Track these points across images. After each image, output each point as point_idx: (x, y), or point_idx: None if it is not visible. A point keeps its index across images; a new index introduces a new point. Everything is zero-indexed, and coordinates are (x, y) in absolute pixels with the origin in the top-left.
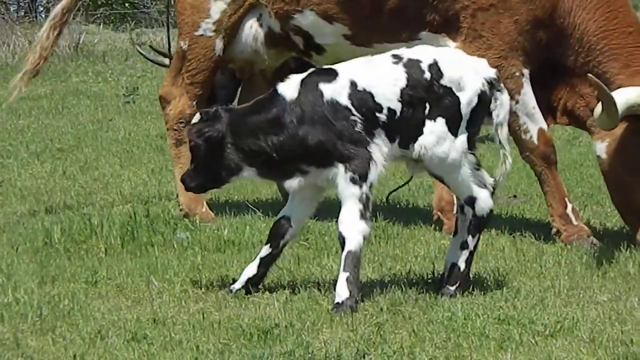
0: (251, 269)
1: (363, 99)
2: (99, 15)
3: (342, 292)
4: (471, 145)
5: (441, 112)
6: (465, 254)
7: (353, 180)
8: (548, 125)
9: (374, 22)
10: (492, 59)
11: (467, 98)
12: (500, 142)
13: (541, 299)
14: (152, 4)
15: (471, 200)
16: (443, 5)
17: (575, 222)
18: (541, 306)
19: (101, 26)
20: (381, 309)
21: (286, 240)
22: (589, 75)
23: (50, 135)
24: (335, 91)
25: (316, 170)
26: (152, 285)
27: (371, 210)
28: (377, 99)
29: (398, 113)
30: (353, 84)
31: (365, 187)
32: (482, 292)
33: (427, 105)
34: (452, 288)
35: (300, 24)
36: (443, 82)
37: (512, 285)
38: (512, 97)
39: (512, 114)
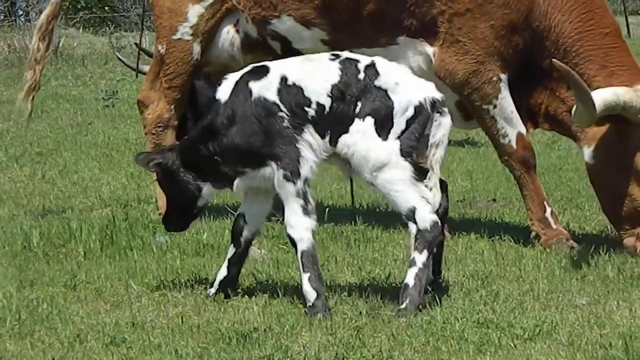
0: (222, 272)
1: (292, 94)
2: (78, 19)
3: (309, 294)
4: (410, 158)
5: (371, 112)
6: (413, 271)
7: (286, 178)
8: (529, 131)
9: (352, 27)
10: (469, 63)
11: (401, 105)
12: (431, 166)
13: (520, 303)
14: (131, 7)
15: (411, 214)
16: (420, 10)
17: (554, 226)
18: (520, 310)
19: (81, 30)
20: (360, 313)
21: (247, 238)
22: (554, 60)
23: (30, 139)
24: (264, 87)
25: (252, 172)
26: (131, 289)
27: (313, 204)
28: (306, 93)
29: (327, 108)
30: (283, 79)
31: (299, 183)
32: (461, 296)
33: (359, 104)
34: (402, 306)
35: (277, 29)
36: (378, 83)
37: (491, 288)
38: (489, 102)
39: (490, 118)
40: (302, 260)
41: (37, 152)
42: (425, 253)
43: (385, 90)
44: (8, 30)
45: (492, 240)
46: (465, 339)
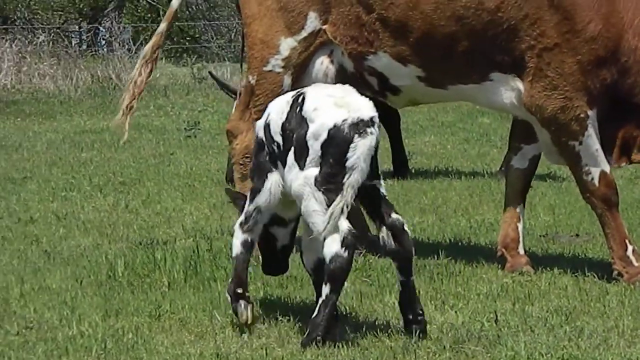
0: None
1: (267, 132)
2: (160, 50)
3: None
4: (326, 186)
5: (293, 143)
6: (319, 303)
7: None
8: (621, 165)
9: (446, 64)
10: (557, 99)
11: (314, 130)
12: (342, 190)
13: (605, 339)
14: (212, 38)
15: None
16: (510, 45)
17: (635, 264)
18: (605, 346)
19: (163, 60)
20: (444, 347)
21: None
22: None
23: (113, 169)
24: (259, 126)
25: None
26: (215, 320)
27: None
28: (271, 131)
29: (280, 146)
30: (267, 117)
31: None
32: (545, 331)
33: (293, 138)
34: (303, 338)
35: (374, 65)
36: (302, 112)
37: (576, 324)
38: (575, 139)
39: (575, 155)
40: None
41: (120, 182)
42: (329, 285)
43: (305, 118)
44: (91, 60)
45: (576, 276)
46: None
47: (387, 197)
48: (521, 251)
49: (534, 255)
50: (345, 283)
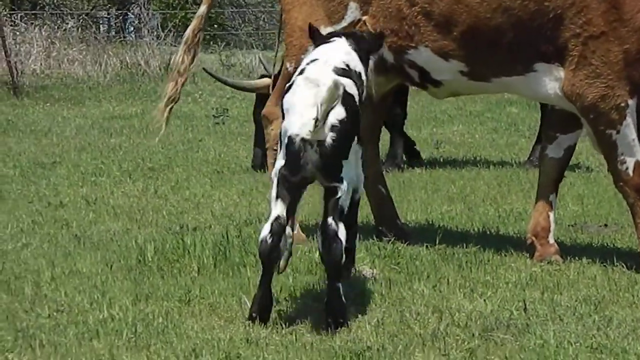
0: None
1: None
2: None
3: None
4: (279, 174)
5: None
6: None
7: None
8: None
9: (490, 58)
10: (599, 87)
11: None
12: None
13: (634, 329)
14: (240, 25)
15: None
16: (554, 34)
17: None
18: (634, 336)
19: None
20: (473, 335)
21: None
22: None
23: (142, 155)
24: None
25: None
26: (244, 306)
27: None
28: None
29: None
30: None
31: None
32: (574, 320)
33: None
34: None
35: (415, 59)
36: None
37: (605, 314)
38: (613, 127)
39: (612, 143)
40: None
41: (149, 168)
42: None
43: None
44: (120, 46)
45: (605, 266)
46: None
47: (339, 202)
48: (551, 240)
49: (562, 245)
50: (375, 270)
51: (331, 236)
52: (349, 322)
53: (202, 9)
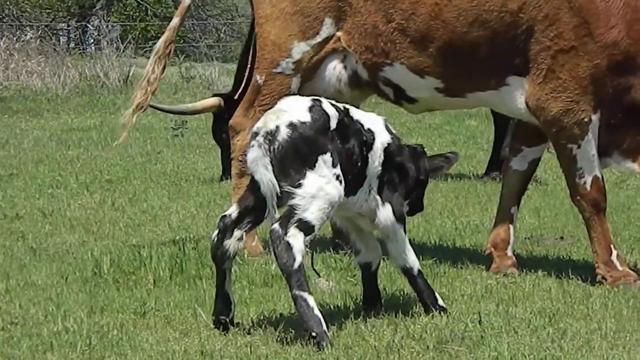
0: None
1: None
2: (148, 48)
3: None
4: None
5: None
6: None
7: None
8: None
9: (466, 73)
10: (564, 101)
11: None
12: None
13: (587, 341)
14: (200, 38)
15: None
16: (526, 46)
17: (620, 268)
18: (587, 348)
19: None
20: (427, 347)
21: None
22: None
23: (100, 167)
24: None
25: None
26: (200, 318)
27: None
28: None
29: None
30: None
31: None
32: (529, 333)
33: None
34: None
35: (389, 77)
36: None
37: (559, 326)
38: (575, 142)
39: (572, 157)
40: None
41: (107, 180)
42: None
43: None
44: (79, 58)
45: (560, 278)
46: None
47: (294, 207)
48: (509, 253)
49: (519, 257)
50: (331, 282)
51: (276, 242)
52: (314, 332)
53: (175, 21)
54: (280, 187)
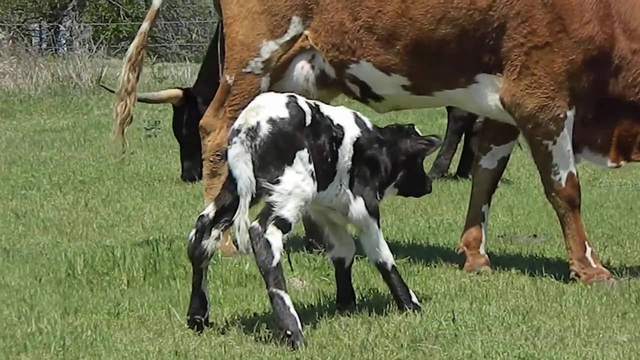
0: None
1: None
2: (120, 49)
3: None
4: None
5: None
6: None
7: None
8: (619, 165)
9: (433, 70)
10: (539, 98)
11: None
12: None
13: (561, 338)
14: (173, 38)
15: None
16: (497, 43)
17: (594, 265)
18: (561, 345)
19: (123, 60)
20: (401, 346)
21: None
22: None
23: (73, 168)
24: None
25: None
26: (174, 318)
27: None
28: None
29: None
30: None
31: None
32: (502, 330)
33: None
34: None
35: (356, 74)
36: None
37: (532, 324)
38: (550, 138)
39: (547, 154)
40: None
41: (80, 181)
42: None
43: None
44: (51, 59)
45: (533, 276)
46: None
47: (271, 204)
48: (482, 251)
49: (492, 256)
50: (305, 281)
51: (255, 239)
52: (289, 331)
53: (145, 25)
54: (258, 183)
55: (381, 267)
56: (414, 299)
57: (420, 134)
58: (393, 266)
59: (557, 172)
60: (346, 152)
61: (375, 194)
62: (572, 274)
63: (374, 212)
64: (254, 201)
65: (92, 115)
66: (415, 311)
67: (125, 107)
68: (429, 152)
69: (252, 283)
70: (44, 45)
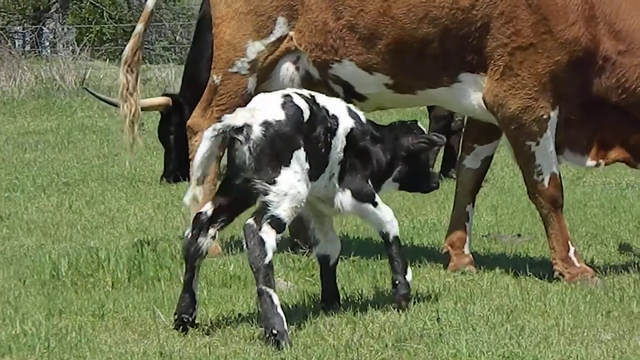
0: None
1: None
2: (104, 51)
3: None
4: None
5: None
6: None
7: None
8: (598, 164)
9: (416, 69)
10: (523, 98)
11: None
12: None
13: (545, 337)
14: (156, 40)
15: None
16: (480, 43)
17: (577, 265)
18: (545, 344)
19: (107, 62)
20: (386, 345)
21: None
22: None
23: (57, 170)
24: None
25: None
26: (158, 319)
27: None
28: None
29: None
30: None
31: None
32: (487, 330)
33: None
34: None
35: (338, 74)
36: None
37: (517, 323)
38: (533, 139)
39: (530, 155)
40: None
41: (64, 183)
42: None
43: None
44: (34, 61)
45: (517, 275)
46: None
47: (267, 204)
48: (466, 251)
49: (476, 255)
50: (289, 282)
51: (248, 236)
52: (275, 330)
53: (139, 27)
54: (254, 182)
55: (384, 237)
56: (408, 277)
57: (425, 131)
58: (395, 237)
59: (540, 173)
60: (339, 142)
61: (366, 182)
62: (556, 273)
63: (365, 197)
64: (251, 202)
65: (76, 117)
66: (400, 309)
67: (131, 106)
68: (430, 151)
69: (236, 284)
70: (27, 48)
